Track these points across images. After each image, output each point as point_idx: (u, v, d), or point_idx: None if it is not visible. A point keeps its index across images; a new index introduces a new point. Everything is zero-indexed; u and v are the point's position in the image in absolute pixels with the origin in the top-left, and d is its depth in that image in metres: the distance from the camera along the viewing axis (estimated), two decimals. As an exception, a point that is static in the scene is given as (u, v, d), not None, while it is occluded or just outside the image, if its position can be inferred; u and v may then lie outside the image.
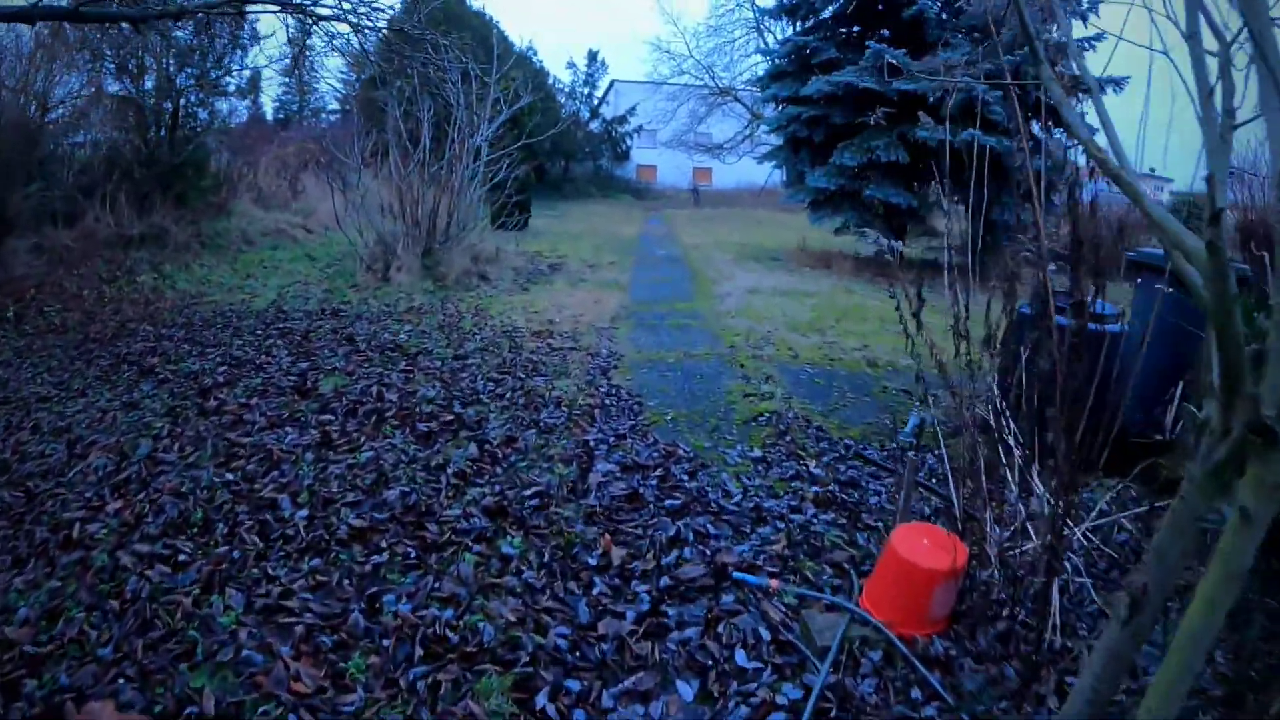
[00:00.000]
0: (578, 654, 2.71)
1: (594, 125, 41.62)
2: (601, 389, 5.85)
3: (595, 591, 3.11)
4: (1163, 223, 1.46)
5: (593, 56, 41.60)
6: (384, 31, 9.73)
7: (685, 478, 4.27)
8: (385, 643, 2.69)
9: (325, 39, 9.49)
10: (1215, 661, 2.69)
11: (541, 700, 2.45)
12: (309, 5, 8.14)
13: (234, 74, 15.38)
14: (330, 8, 8.11)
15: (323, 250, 14.13)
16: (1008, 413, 3.55)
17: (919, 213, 13.84)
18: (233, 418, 4.99)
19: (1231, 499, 1.36)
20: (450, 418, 4.97)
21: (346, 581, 3.09)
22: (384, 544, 3.39)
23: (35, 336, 7.09)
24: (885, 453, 4.85)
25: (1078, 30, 12.87)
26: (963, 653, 2.74)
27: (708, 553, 3.44)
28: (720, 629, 2.87)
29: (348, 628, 2.77)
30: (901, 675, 2.64)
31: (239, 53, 15.69)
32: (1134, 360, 5.05)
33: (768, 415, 5.37)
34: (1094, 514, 3.41)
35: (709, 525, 3.73)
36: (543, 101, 33.59)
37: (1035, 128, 12.62)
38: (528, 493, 3.95)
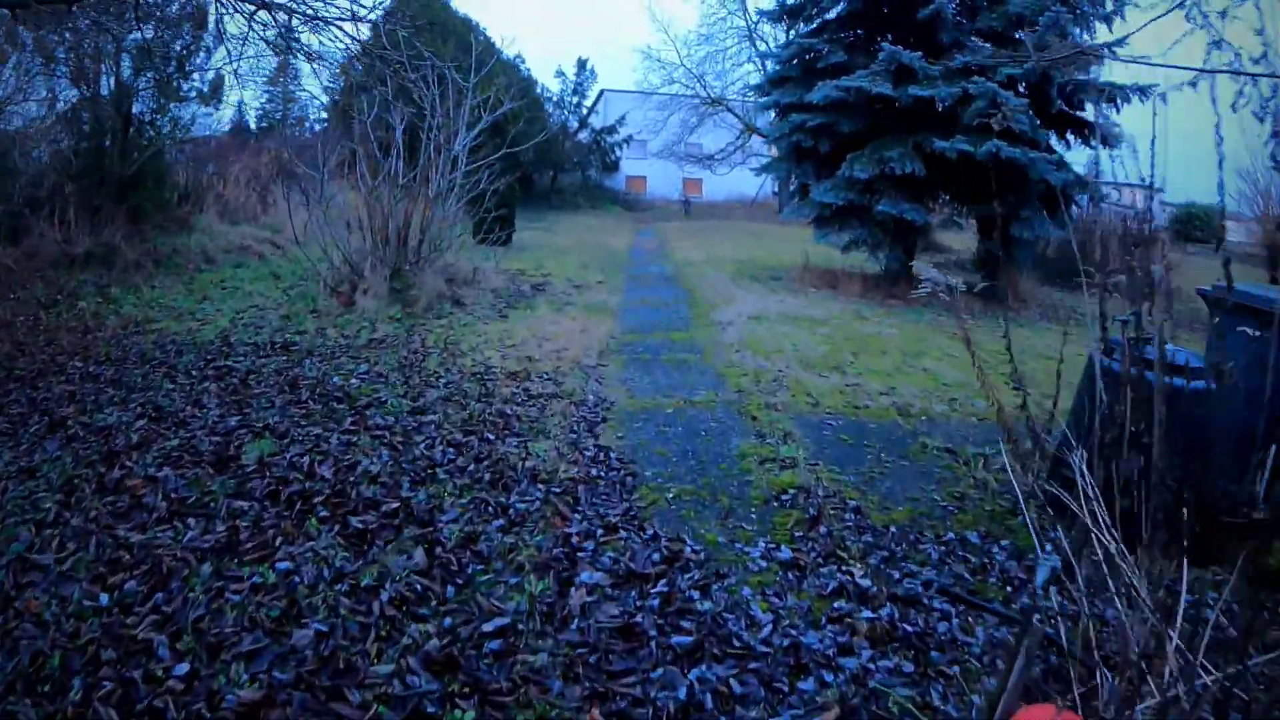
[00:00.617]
0: None
1: (583, 135, 40.70)
2: (587, 453, 4.82)
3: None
4: None
5: (582, 65, 40.75)
6: (359, 41, 8.70)
7: (696, 594, 3.26)
8: None
9: (305, 46, 8.50)
10: None
11: None
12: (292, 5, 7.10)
13: (196, 77, 14.31)
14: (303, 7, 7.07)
15: (289, 269, 13.06)
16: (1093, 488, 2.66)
17: (928, 229, 12.92)
18: (130, 500, 3.95)
19: None
20: (395, 504, 3.92)
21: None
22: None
23: (-61, 378, 6.04)
24: (943, 546, 3.84)
25: (1101, 35, 11.96)
26: None
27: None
28: None
29: None
30: None
31: (203, 55, 14.60)
32: (1218, 419, 4.08)
33: (792, 492, 4.34)
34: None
35: (732, 679, 2.72)
36: (529, 110, 32.70)
37: (1051, 138, 11.70)
38: (488, 628, 2.94)
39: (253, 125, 39.20)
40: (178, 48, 14.87)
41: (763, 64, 37.00)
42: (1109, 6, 11.40)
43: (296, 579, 3.20)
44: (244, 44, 8.80)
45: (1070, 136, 12.90)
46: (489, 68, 11.65)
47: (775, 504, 4.22)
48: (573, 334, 8.11)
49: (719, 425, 5.46)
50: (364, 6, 7.18)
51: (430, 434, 4.97)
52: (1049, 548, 2.71)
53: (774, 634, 3.01)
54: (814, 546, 3.76)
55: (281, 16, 7.23)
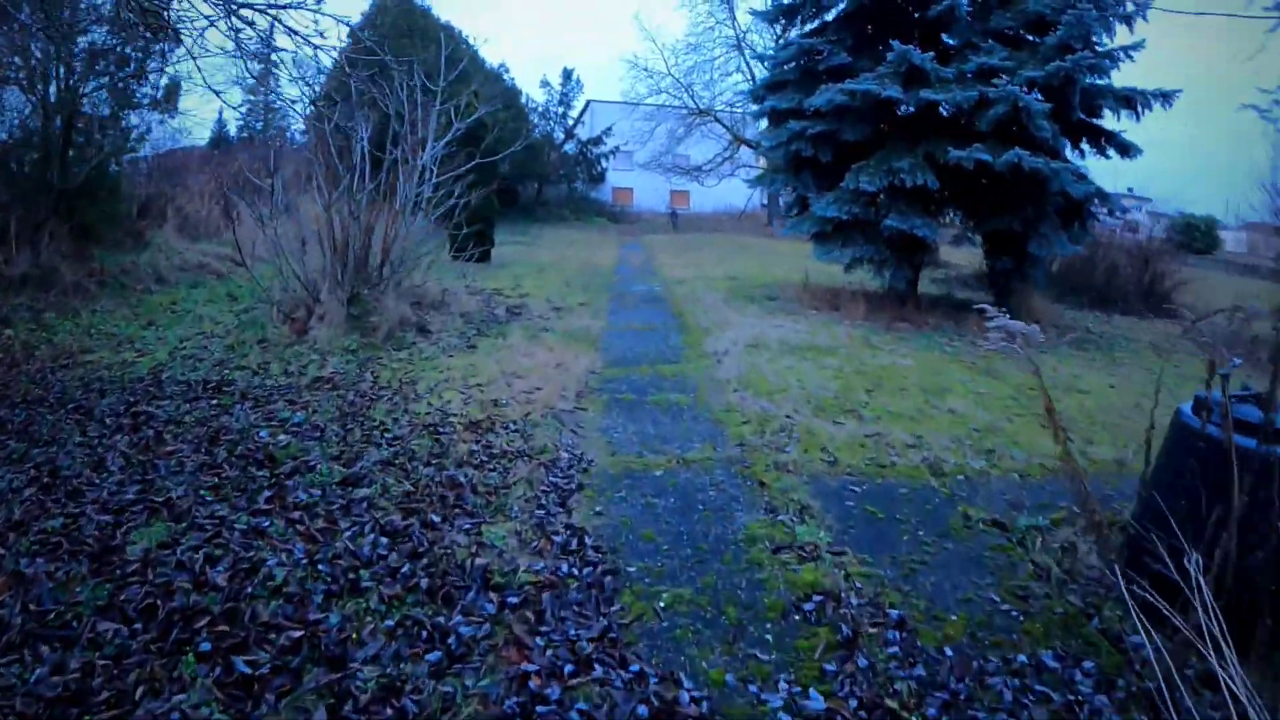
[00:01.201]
0: None
1: (569, 147, 39.84)
2: (557, 538, 3.86)
3: None
4: None
5: (567, 75, 39.90)
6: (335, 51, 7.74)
7: (700, 785, 2.28)
8: None
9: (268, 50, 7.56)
10: None
11: None
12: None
13: (150, 82, 13.28)
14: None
15: (249, 289, 12.03)
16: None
17: (934, 246, 12.05)
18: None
19: None
20: (299, 633, 2.95)
21: None
22: None
23: None
24: (1015, 678, 2.93)
25: (1121, 37, 11.11)
26: None
27: None
28: None
29: None
30: None
31: (156, 59, 13.57)
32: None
33: (817, 598, 3.39)
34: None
35: None
36: (514, 120, 31.84)
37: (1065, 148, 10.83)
38: None
39: (233, 136, 38.31)
40: (132, 52, 13.87)
41: (751, 74, 36.32)
42: (1129, 7, 10.51)
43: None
44: (204, 48, 7.82)
45: (1083, 146, 12.03)
46: (460, 67, 10.70)
47: (797, 616, 3.27)
48: (548, 369, 7.14)
49: (719, 495, 4.49)
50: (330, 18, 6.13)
51: (361, 516, 3.98)
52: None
53: None
54: (852, 688, 2.80)
55: (254, 19, 6.22)
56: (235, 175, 15.88)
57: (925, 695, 2.79)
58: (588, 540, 3.85)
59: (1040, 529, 4.35)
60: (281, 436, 5.18)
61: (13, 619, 2.94)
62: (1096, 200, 11.10)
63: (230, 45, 6.69)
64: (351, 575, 3.37)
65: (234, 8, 6.05)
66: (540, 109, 38.87)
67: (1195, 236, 32.23)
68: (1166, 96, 10.81)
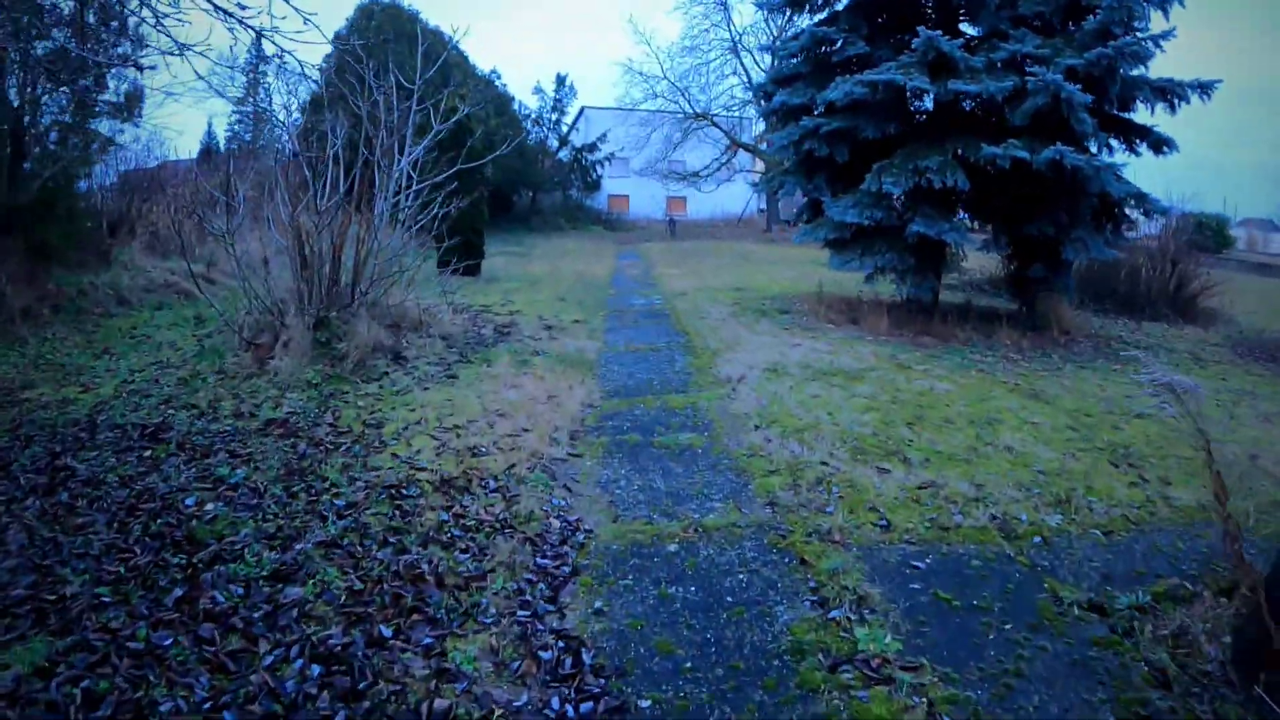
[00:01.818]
0: None
1: (563, 154, 38.97)
2: (545, 657, 2.95)
3: None
4: None
5: (561, 81, 38.98)
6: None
7: None
8: None
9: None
10: None
11: None
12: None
13: (111, 90, 12.36)
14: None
15: (222, 307, 11.10)
16: None
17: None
18: None
19: None
20: None
21: None
22: None
23: None
24: None
25: (1156, 24, 10.21)
26: None
27: None
28: None
29: None
30: None
31: (120, 65, 12.64)
32: None
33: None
34: None
35: None
36: (506, 127, 30.98)
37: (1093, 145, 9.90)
38: None
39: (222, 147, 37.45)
40: (93, 57, 12.95)
41: (749, 76, 35.55)
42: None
43: None
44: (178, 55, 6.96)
45: (1112, 142, 11.12)
46: (440, 62, 9.79)
47: (878, 786, 2.32)
48: (538, 404, 6.21)
49: (751, 579, 3.57)
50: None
51: (289, 627, 3.05)
52: None
53: None
54: None
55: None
56: (198, 189, 14.99)
57: None
58: (586, 658, 2.92)
59: (1145, 609, 3.45)
60: (210, 506, 4.24)
61: None
62: (1132, 201, 10.20)
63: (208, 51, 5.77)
64: (262, 729, 2.44)
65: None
66: (534, 115, 37.96)
67: (1206, 236, 31.36)
68: (1205, 88, 9.92)
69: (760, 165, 38.60)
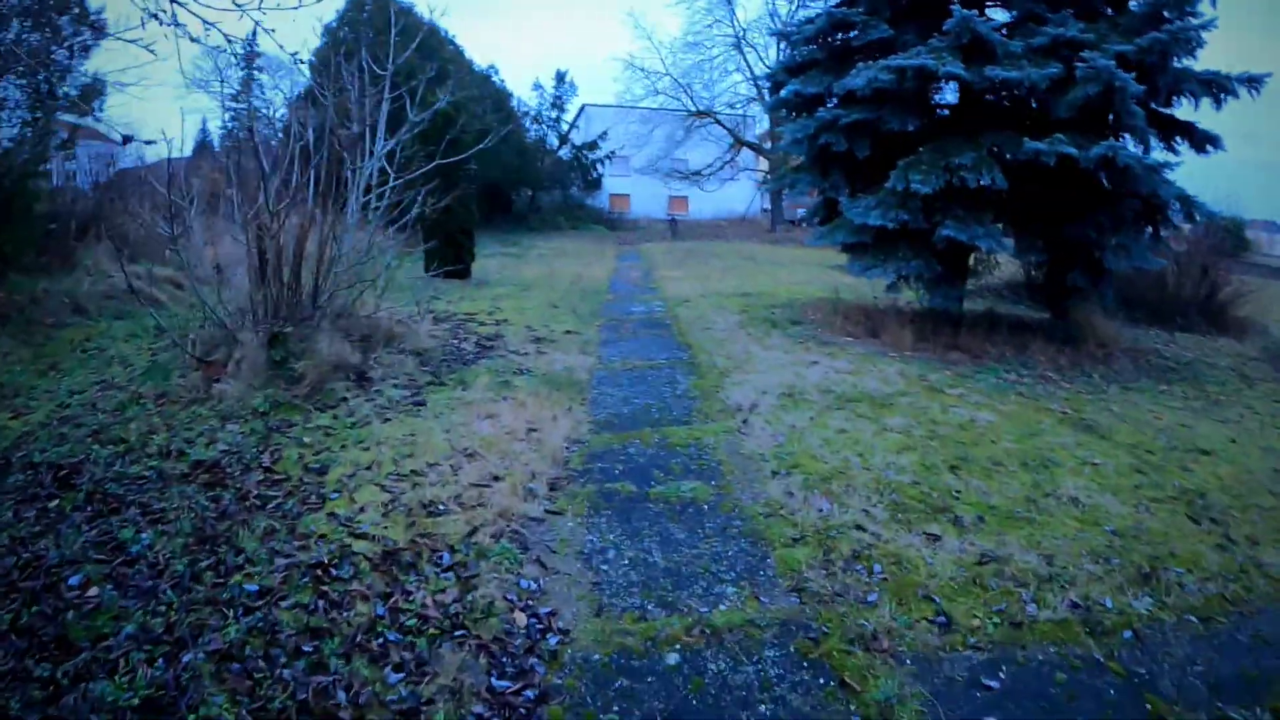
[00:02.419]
0: None
1: (563, 152, 37.98)
2: None
3: None
4: None
5: (560, 77, 37.91)
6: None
7: None
8: None
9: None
10: None
11: None
12: None
13: (68, 80, 11.41)
14: None
15: (181, 318, 10.16)
16: None
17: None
18: None
19: None
20: None
21: None
22: None
23: None
24: None
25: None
26: None
27: None
28: None
29: None
30: None
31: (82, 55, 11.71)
32: None
33: None
34: None
35: None
36: (502, 122, 29.99)
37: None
38: None
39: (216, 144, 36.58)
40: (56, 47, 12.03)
41: (753, 73, 34.59)
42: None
43: None
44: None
45: (1151, 138, 10.15)
46: (416, 42, 8.86)
47: None
48: (515, 439, 5.28)
49: (777, 714, 2.62)
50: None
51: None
52: None
53: None
54: None
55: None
56: (215, 184, 14.06)
57: None
58: None
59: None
60: (97, 589, 3.33)
61: None
62: (1177, 204, 9.23)
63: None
64: None
65: None
66: (533, 113, 36.95)
67: (1224, 239, 30.27)
68: (1255, 82, 8.94)
69: (764, 164, 37.70)
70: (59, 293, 11.06)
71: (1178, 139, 9.64)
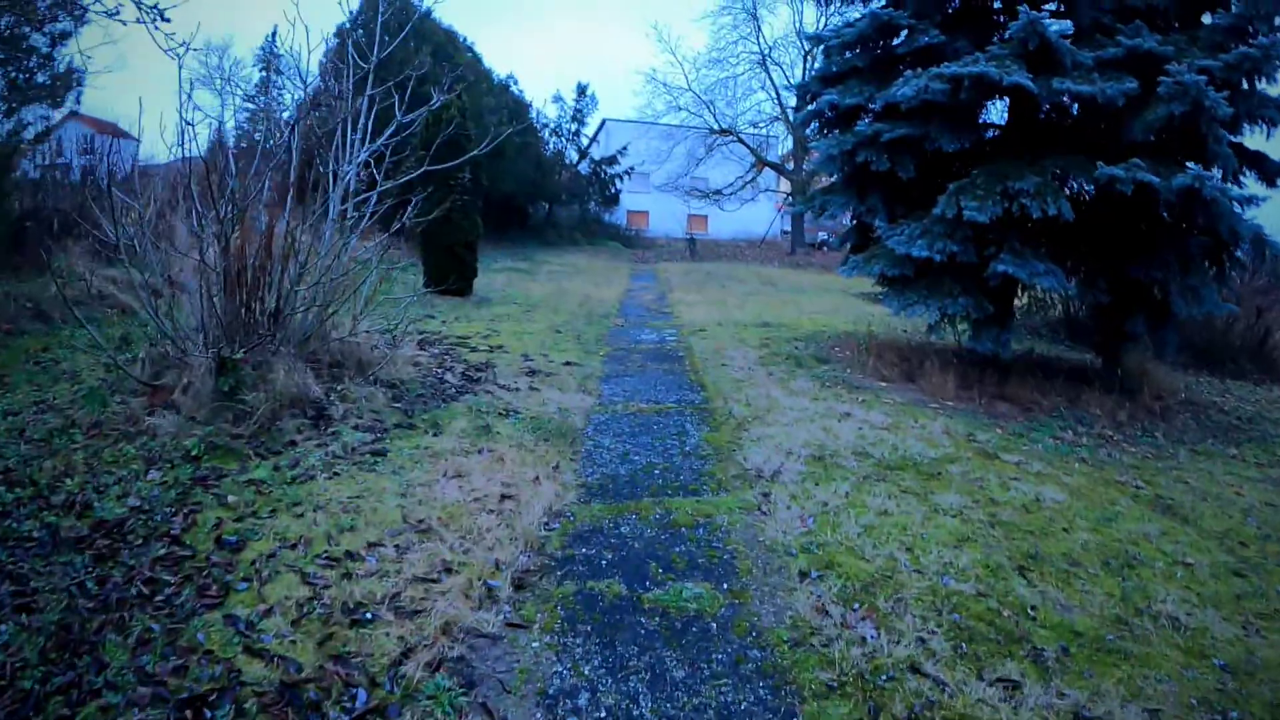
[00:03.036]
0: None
1: (582, 166, 37.17)
2: None
3: None
4: None
5: (582, 90, 37.06)
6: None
7: None
8: None
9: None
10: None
11: None
12: None
13: (48, 67, 10.60)
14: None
15: (153, 327, 9.26)
16: None
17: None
18: None
19: None
20: None
21: None
22: None
23: None
24: None
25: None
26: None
27: None
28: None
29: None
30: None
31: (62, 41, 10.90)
32: None
33: None
34: None
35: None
36: (518, 131, 29.19)
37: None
38: None
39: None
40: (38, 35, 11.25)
41: (777, 92, 33.77)
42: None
43: None
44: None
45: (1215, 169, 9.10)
46: (407, 30, 7.97)
47: None
48: (484, 510, 4.30)
49: None
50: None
51: None
52: None
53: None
54: None
55: None
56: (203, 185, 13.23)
57: None
58: None
59: None
60: None
61: None
62: (1247, 242, 8.19)
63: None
64: None
65: None
66: (552, 125, 36.14)
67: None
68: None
69: (785, 185, 36.84)
70: (22, 296, 10.20)
71: (1245, 169, 8.62)
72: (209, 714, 2.58)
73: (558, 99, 38.33)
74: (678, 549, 3.97)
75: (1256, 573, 4.35)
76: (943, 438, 6.17)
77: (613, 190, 37.59)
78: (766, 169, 35.81)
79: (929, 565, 3.92)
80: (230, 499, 4.40)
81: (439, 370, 7.61)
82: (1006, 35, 6.54)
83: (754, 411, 6.51)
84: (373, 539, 3.91)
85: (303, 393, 6.16)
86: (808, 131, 9.97)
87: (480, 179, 13.80)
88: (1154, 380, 9.31)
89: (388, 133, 7.34)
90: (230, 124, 34.61)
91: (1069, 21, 7.15)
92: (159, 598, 3.34)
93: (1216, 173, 6.78)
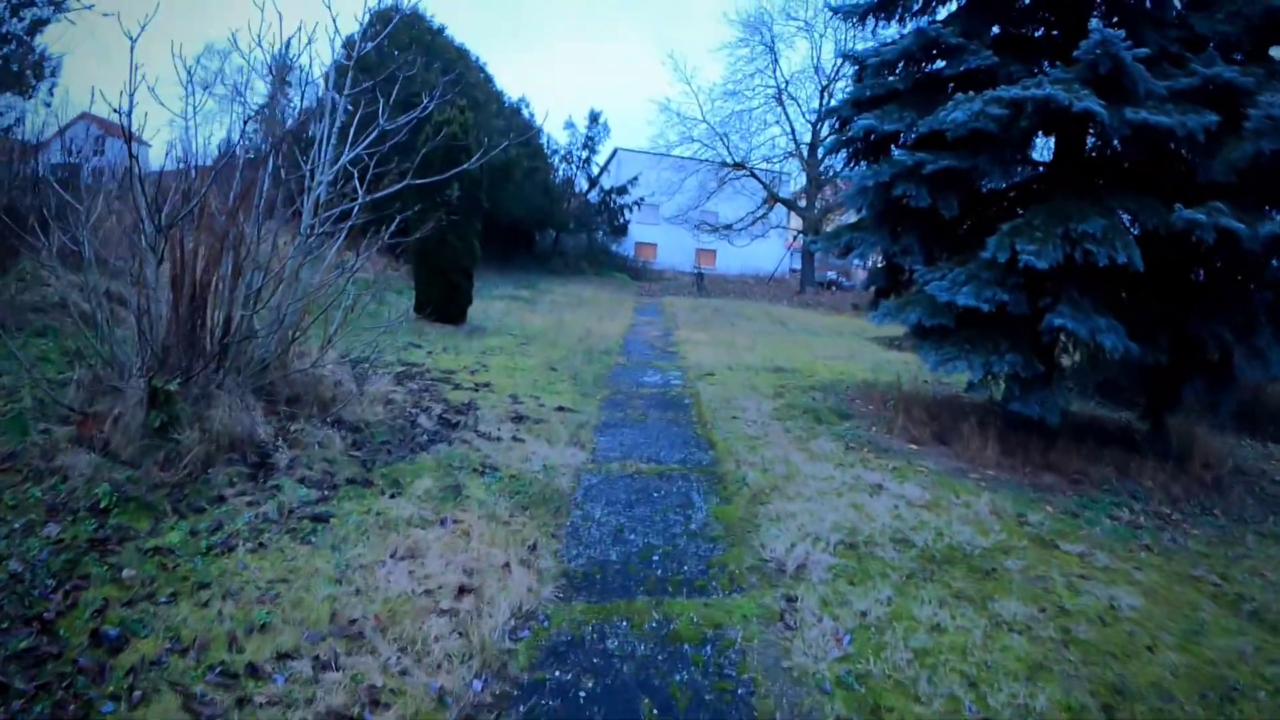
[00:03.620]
0: None
1: (592, 195, 36.59)
2: None
3: None
4: None
5: (594, 118, 36.46)
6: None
7: None
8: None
9: None
10: None
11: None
12: None
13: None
14: None
15: (89, 346, 8.39)
16: None
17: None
18: None
19: None
20: None
21: None
22: None
23: None
24: None
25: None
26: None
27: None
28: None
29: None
30: None
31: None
32: None
33: None
34: None
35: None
36: (529, 159, 28.57)
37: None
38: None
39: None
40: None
41: (792, 127, 33.23)
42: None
43: None
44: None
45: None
46: (392, 26, 7.19)
47: None
48: (434, 609, 3.44)
49: None
50: None
51: None
52: None
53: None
54: None
55: None
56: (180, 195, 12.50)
57: None
58: None
59: None
60: None
61: None
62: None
63: None
64: None
65: None
66: (563, 152, 35.54)
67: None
68: None
69: (796, 222, 36.21)
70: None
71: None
72: None
73: (569, 125, 37.77)
74: (679, 676, 3.08)
75: None
76: (990, 519, 5.28)
77: (621, 220, 36.96)
78: (778, 205, 35.21)
79: (1001, 709, 3.03)
80: (126, 573, 3.54)
81: (414, 410, 6.75)
82: (1075, 55, 5.74)
83: (771, 480, 5.61)
84: (287, 646, 3.04)
85: (246, 434, 5.30)
86: (836, 160, 9.13)
87: (480, 199, 13.03)
88: (1201, 446, 8.44)
89: (367, 140, 6.55)
90: (219, 133, 33.98)
91: (1152, 37, 6.41)
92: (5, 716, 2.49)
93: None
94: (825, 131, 33.16)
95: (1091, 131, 7.48)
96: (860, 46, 8.26)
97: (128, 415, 5.21)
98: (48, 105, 10.65)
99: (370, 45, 7.75)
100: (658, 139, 35.81)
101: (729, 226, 34.78)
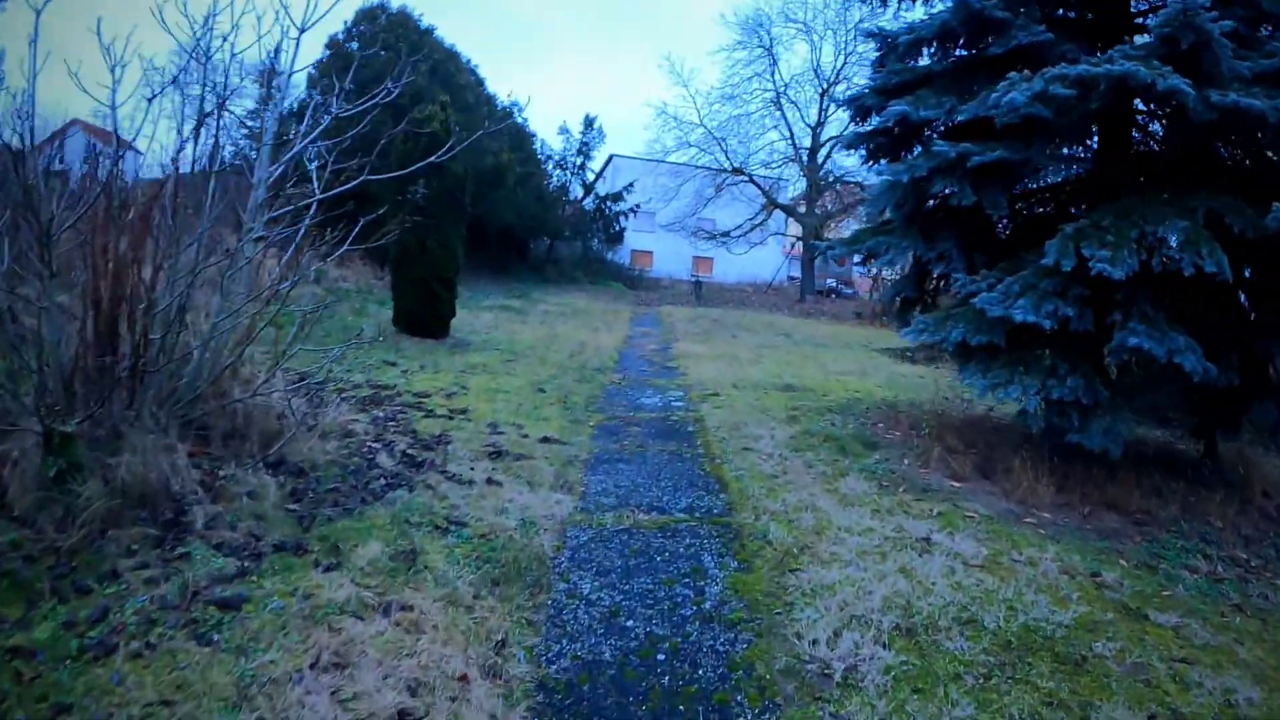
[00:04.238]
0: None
1: (586, 202, 35.76)
2: None
3: None
4: None
5: (589, 123, 35.61)
6: None
7: None
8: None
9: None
10: None
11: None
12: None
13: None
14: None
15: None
16: None
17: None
18: None
19: None
20: None
21: None
22: None
23: None
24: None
25: None
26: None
27: None
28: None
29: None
30: None
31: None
32: None
33: None
34: None
35: None
36: (522, 165, 27.70)
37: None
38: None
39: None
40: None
41: (791, 132, 32.43)
42: None
43: None
44: None
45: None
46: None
47: None
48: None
49: None
50: None
51: None
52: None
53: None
54: None
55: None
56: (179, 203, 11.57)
57: None
58: None
59: None
60: None
61: None
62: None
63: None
64: None
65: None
66: (557, 158, 34.67)
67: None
68: None
69: (795, 228, 35.43)
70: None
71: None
72: None
73: (564, 131, 36.93)
74: None
75: None
76: (1063, 581, 4.36)
77: (617, 228, 36.16)
78: (776, 211, 34.43)
79: None
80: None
81: (374, 445, 5.82)
82: (1150, 26, 4.86)
83: (799, 535, 4.67)
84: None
85: (159, 484, 4.37)
86: (851, 158, 8.20)
87: (463, 202, 12.10)
88: (1258, 471, 7.57)
89: (317, 131, 5.63)
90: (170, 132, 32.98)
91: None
92: None
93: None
94: (828, 134, 32.46)
95: (1142, 119, 6.62)
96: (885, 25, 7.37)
97: (24, 461, 4.31)
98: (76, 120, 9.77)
99: (341, 33, 6.84)
100: (654, 144, 34.97)
101: (727, 233, 34.04)
